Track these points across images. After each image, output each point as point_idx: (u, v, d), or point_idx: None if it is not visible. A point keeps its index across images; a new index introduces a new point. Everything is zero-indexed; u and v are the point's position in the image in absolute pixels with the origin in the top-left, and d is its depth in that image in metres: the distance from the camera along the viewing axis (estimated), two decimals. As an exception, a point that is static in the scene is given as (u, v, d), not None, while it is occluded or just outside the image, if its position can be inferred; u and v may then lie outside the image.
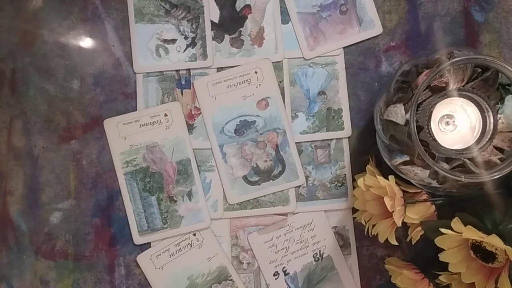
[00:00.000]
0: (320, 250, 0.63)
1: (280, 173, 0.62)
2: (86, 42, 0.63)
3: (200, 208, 0.62)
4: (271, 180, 0.62)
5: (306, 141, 0.63)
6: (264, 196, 0.62)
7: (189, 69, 0.63)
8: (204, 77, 0.62)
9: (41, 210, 0.62)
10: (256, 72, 0.62)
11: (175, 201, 0.62)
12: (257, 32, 0.63)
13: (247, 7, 0.63)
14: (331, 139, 0.63)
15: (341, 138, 0.63)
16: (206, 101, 0.62)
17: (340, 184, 0.62)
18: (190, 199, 0.62)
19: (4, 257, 0.62)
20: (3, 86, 0.63)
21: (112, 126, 0.62)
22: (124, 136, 0.62)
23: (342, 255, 0.63)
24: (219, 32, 0.63)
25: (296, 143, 0.62)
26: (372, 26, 0.62)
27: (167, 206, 0.62)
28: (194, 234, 0.62)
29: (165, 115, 0.62)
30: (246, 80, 0.62)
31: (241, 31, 0.63)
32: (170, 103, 0.62)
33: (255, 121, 0.62)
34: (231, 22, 0.63)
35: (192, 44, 0.62)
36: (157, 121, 0.62)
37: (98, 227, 0.63)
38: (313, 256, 0.63)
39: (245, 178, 0.62)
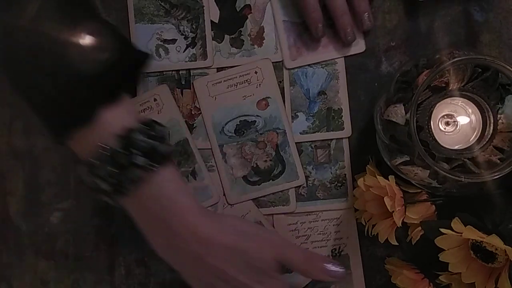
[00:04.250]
0: (340, 247, 0.62)
1: (280, 173, 0.62)
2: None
3: (206, 185, 0.62)
4: (271, 180, 0.62)
5: (306, 141, 0.63)
6: (264, 196, 0.62)
7: (189, 69, 0.63)
8: (204, 77, 0.62)
9: (41, 210, 0.62)
10: (256, 72, 0.62)
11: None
12: (257, 32, 0.63)
13: (247, 7, 0.63)
14: (331, 139, 0.63)
15: (341, 138, 0.63)
16: (206, 101, 0.62)
17: (340, 184, 0.62)
18: (195, 178, 0.62)
19: (4, 257, 0.62)
20: (3, 86, 0.63)
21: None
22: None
23: (360, 258, 0.62)
24: (219, 32, 0.63)
25: (296, 143, 0.62)
26: (356, 43, 0.61)
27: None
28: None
29: (155, 99, 0.61)
30: (246, 80, 0.62)
31: (241, 31, 0.63)
32: (157, 87, 0.62)
33: (255, 121, 0.62)
34: (231, 22, 0.63)
35: (192, 44, 0.62)
36: (148, 107, 0.62)
37: (98, 227, 0.63)
38: (332, 251, 0.62)
39: (245, 178, 0.62)
